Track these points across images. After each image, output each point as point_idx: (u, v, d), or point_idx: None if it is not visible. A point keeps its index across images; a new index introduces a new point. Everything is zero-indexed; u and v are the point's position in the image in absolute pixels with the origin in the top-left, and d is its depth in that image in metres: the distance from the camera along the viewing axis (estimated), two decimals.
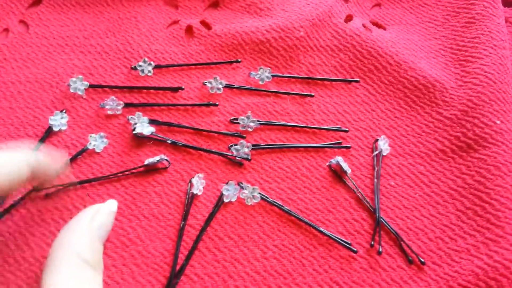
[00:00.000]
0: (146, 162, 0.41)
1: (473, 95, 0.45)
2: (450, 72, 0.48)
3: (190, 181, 0.41)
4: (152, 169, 0.42)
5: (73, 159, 0.42)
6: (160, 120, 0.44)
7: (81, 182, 0.41)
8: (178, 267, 0.37)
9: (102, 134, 0.43)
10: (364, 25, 0.53)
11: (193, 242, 0.38)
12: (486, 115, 0.44)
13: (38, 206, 0.39)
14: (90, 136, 0.42)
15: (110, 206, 0.34)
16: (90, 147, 0.42)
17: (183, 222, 0.39)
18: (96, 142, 0.42)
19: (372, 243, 0.39)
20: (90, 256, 0.29)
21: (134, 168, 0.42)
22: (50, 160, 0.35)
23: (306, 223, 0.40)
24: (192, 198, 0.40)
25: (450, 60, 0.50)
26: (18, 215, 0.39)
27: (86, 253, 0.29)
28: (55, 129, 0.43)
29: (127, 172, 0.41)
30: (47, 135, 0.43)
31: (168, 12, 0.53)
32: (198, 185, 0.41)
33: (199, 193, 0.41)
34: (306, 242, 0.39)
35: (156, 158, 0.41)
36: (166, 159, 0.42)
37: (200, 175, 0.41)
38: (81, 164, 0.42)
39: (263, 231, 0.40)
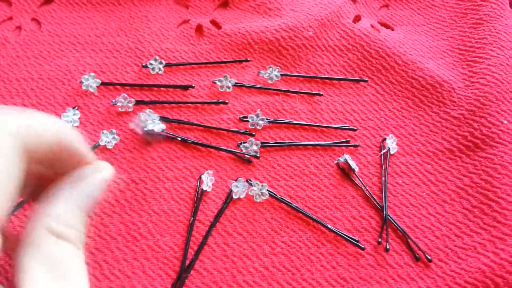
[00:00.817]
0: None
1: (480, 95, 0.46)
2: (458, 72, 0.49)
3: (200, 178, 0.42)
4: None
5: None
6: (171, 118, 0.45)
7: None
8: (187, 262, 0.38)
9: (113, 130, 0.43)
10: (372, 26, 0.54)
11: (202, 238, 0.39)
12: (493, 115, 0.44)
13: None
14: (102, 133, 0.43)
15: (102, 174, 0.28)
16: (101, 143, 0.43)
17: (192, 218, 0.40)
18: (108, 138, 0.43)
19: (380, 240, 0.39)
20: (66, 230, 0.26)
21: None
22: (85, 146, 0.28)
23: (314, 220, 0.40)
24: (201, 194, 0.41)
25: (457, 60, 0.50)
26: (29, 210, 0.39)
27: (60, 227, 0.25)
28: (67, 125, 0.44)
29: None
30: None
31: (178, 12, 0.54)
32: (208, 181, 0.41)
33: (209, 190, 0.41)
34: (314, 239, 0.40)
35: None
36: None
37: (210, 171, 0.42)
38: None
39: (271, 228, 0.40)
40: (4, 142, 0.22)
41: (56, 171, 0.27)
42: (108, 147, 0.43)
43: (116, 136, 0.43)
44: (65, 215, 0.26)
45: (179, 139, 0.44)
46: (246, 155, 0.43)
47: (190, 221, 0.40)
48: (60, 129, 0.26)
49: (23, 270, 0.24)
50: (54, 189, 0.26)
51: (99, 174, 0.28)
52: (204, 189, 0.41)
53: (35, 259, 0.24)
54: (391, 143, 0.44)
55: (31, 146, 0.24)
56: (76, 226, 0.26)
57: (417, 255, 0.39)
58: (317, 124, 0.46)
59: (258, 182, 0.41)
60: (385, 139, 0.45)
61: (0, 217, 0.21)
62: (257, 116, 0.45)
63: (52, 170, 0.27)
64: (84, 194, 0.27)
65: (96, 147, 0.43)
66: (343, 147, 0.45)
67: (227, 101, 0.46)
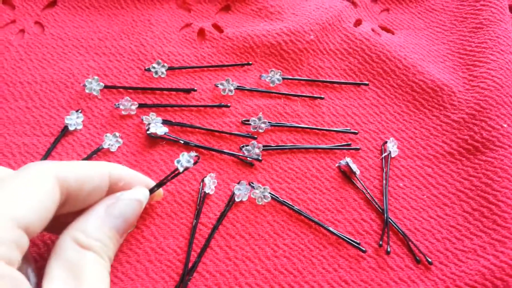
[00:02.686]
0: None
1: (480, 98, 0.46)
2: (458, 76, 0.49)
3: (203, 180, 0.42)
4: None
5: (88, 158, 0.43)
6: (173, 121, 0.45)
7: None
8: (190, 264, 0.38)
9: (116, 134, 0.44)
10: (373, 30, 0.54)
11: (205, 240, 0.39)
12: (493, 119, 0.45)
13: None
14: (105, 136, 0.43)
15: (135, 194, 0.32)
16: (105, 146, 0.43)
17: (195, 221, 0.40)
18: (111, 141, 0.43)
19: (381, 243, 0.40)
20: (90, 241, 0.29)
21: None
22: (134, 178, 0.34)
23: (315, 222, 0.40)
24: (204, 197, 0.41)
25: (457, 64, 0.51)
26: None
27: (84, 238, 0.28)
28: (71, 128, 0.44)
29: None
30: (62, 134, 0.44)
31: (181, 15, 0.54)
32: (210, 184, 0.41)
33: (211, 192, 0.41)
34: (316, 242, 0.40)
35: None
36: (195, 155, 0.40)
37: (212, 174, 0.42)
38: None
39: (273, 230, 0.40)
40: (49, 180, 0.28)
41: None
42: (111, 150, 0.43)
43: (120, 139, 0.44)
44: (92, 229, 0.29)
45: (182, 142, 0.44)
46: (248, 158, 0.44)
47: (193, 224, 0.40)
48: (104, 171, 0.32)
49: (46, 271, 0.27)
50: (91, 208, 0.31)
51: (132, 196, 0.32)
52: (207, 192, 0.41)
53: (56, 262, 0.28)
54: (392, 146, 0.45)
55: (72, 188, 0.29)
56: (102, 240, 0.30)
57: (417, 258, 0.39)
58: (319, 127, 0.46)
59: (260, 185, 0.41)
60: (386, 142, 0.45)
61: (36, 226, 0.26)
62: (259, 119, 0.45)
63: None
64: (115, 214, 0.31)
65: (99, 150, 0.43)
66: (345, 150, 0.45)
67: (229, 105, 0.46)
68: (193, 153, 0.35)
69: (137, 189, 0.33)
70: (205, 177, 0.42)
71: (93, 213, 0.30)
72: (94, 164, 0.32)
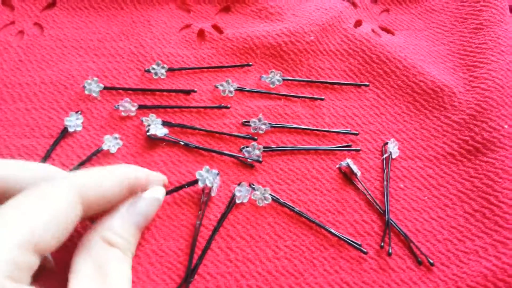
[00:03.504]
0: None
1: (481, 99, 0.46)
2: (458, 77, 0.49)
3: (204, 182, 0.41)
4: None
5: (87, 160, 0.42)
6: (173, 122, 0.45)
7: None
8: (191, 266, 0.38)
9: (116, 135, 0.43)
10: (373, 30, 0.54)
11: (206, 242, 0.39)
12: (494, 119, 0.44)
13: None
14: (105, 138, 0.43)
15: (154, 193, 0.35)
16: (105, 147, 0.43)
17: (198, 222, 0.40)
18: (111, 143, 0.43)
19: (382, 244, 0.40)
20: (116, 239, 0.31)
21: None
22: (149, 177, 0.36)
23: (316, 224, 0.40)
24: (208, 198, 0.41)
25: (458, 65, 0.50)
26: None
27: (111, 236, 0.31)
28: (70, 130, 0.44)
29: None
30: (62, 135, 0.44)
31: (180, 16, 0.54)
32: (214, 185, 0.41)
33: (213, 194, 0.41)
34: (317, 243, 0.40)
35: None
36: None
37: (215, 171, 0.41)
38: (95, 164, 0.43)
39: (274, 232, 0.40)
40: (68, 192, 0.28)
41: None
42: (111, 151, 0.43)
43: (119, 141, 0.44)
44: (117, 227, 0.31)
45: (182, 143, 0.44)
46: (248, 160, 0.43)
47: (196, 226, 0.40)
48: (122, 177, 0.33)
49: (73, 267, 0.29)
50: (115, 209, 0.33)
51: (152, 195, 0.35)
52: (208, 185, 0.41)
53: (84, 259, 0.29)
54: (393, 147, 0.45)
55: (91, 201, 0.30)
56: (126, 237, 0.32)
57: (419, 259, 0.39)
58: (319, 129, 0.46)
59: (261, 187, 0.41)
60: (386, 143, 0.45)
61: (50, 244, 0.27)
62: (259, 120, 0.45)
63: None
64: (137, 212, 0.33)
65: (99, 152, 0.43)
66: (345, 152, 0.45)
67: (229, 106, 0.46)
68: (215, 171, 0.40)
69: (156, 189, 0.36)
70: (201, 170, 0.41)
71: (118, 213, 0.32)
72: (112, 173, 0.33)
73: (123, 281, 0.30)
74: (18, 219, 0.26)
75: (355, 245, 0.40)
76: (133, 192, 0.34)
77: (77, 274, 0.28)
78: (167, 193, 0.39)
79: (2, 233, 0.25)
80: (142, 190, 0.35)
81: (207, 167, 0.40)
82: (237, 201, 0.41)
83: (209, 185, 0.40)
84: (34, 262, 0.26)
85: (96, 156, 0.43)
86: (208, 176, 0.40)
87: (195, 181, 0.40)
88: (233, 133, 0.45)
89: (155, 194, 0.35)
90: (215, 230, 0.40)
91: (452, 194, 0.43)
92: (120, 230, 0.31)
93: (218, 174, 0.41)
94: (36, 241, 0.25)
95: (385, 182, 0.43)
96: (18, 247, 0.25)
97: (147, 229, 0.40)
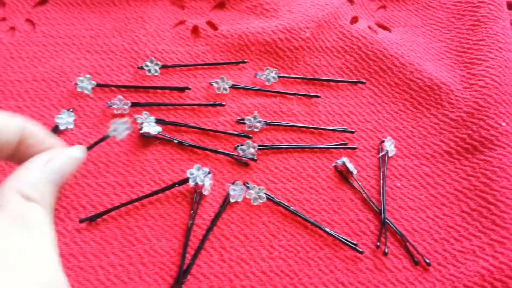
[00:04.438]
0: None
1: (478, 97, 0.45)
2: (456, 74, 0.49)
3: (196, 181, 0.40)
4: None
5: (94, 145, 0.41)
6: (167, 120, 0.44)
7: None
8: (184, 267, 0.37)
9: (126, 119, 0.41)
10: (369, 27, 0.53)
11: (199, 242, 0.39)
12: (491, 117, 0.44)
13: None
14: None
15: (73, 152, 0.33)
16: (61, 127, 0.43)
17: (191, 222, 0.39)
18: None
19: (378, 244, 0.39)
20: (34, 193, 0.29)
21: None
22: (44, 134, 0.33)
23: (312, 223, 0.40)
24: (200, 198, 0.40)
25: (455, 62, 0.50)
26: None
27: (29, 190, 0.28)
28: (62, 127, 0.43)
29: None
30: (53, 133, 0.43)
31: (174, 13, 0.53)
32: (206, 184, 0.40)
33: (205, 193, 0.41)
34: (312, 243, 0.39)
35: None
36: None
37: (206, 169, 0.40)
38: (87, 163, 0.42)
39: (269, 231, 0.40)
40: None
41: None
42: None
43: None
44: (35, 182, 0.29)
45: (176, 141, 0.43)
46: (243, 158, 0.43)
47: (188, 225, 0.39)
48: (20, 123, 0.30)
49: None
50: (28, 161, 0.30)
51: (72, 153, 0.32)
52: (205, 194, 0.41)
53: (3, 215, 0.27)
54: (389, 146, 0.44)
55: None
56: (43, 192, 0.29)
57: (415, 259, 0.39)
58: (315, 126, 0.45)
59: (256, 185, 0.41)
60: (383, 141, 0.45)
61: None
62: (254, 118, 0.44)
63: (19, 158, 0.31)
64: (54, 168, 0.30)
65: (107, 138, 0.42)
66: (341, 150, 0.44)
67: (224, 103, 0.46)
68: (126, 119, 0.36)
69: (76, 147, 0.33)
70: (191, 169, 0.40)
71: (32, 166, 0.30)
72: (7, 114, 0.30)
73: (46, 234, 0.28)
74: None
75: (351, 244, 0.39)
76: (23, 145, 0.31)
77: None
78: (158, 192, 0.39)
79: None
80: (36, 148, 0.32)
81: (198, 165, 0.39)
82: (231, 200, 0.40)
83: (200, 183, 0.39)
84: None
85: (88, 155, 0.42)
86: (199, 175, 0.39)
87: (186, 180, 0.39)
88: (228, 131, 0.44)
89: (75, 152, 0.33)
90: (209, 229, 0.39)
91: (449, 193, 0.42)
92: (37, 185, 0.29)
93: (209, 172, 0.40)
94: None
95: (381, 181, 0.43)
96: None
97: (139, 228, 0.39)
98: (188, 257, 0.38)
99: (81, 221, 0.39)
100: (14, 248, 0.26)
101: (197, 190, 0.41)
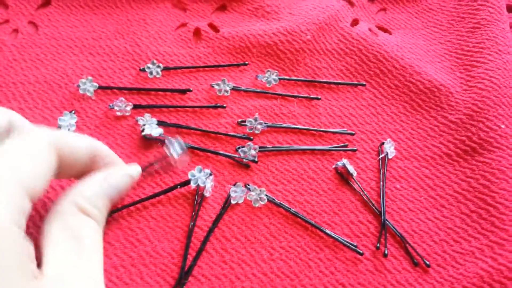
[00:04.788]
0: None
1: (478, 99, 0.46)
2: (455, 77, 0.49)
3: (193, 176, 0.40)
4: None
5: (145, 169, 0.41)
6: (168, 122, 0.45)
7: None
8: (186, 268, 0.38)
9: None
10: (370, 29, 0.54)
11: (200, 243, 0.39)
12: (491, 119, 0.44)
13: None
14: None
15: (129, 170, 0.35)
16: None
17: (192, 223, 0.39)
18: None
19: (378, 245, 0.39)
20: (90, 207, 0.30)
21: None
22: (116, 160, 0.35)
23: (312, 225, 0.40)
24: (201, 199, 0.41)
25: (455, 64, 0.50)
26: None
27: (85, 203, 0.30)
28: (64, 129, 0.44)
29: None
30: None
31: (176, 15, 0.53)
32: (208, 185, 0.40)
33: (207, 195, 0.41)
34: (313, 244, 0.40)
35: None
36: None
37: (207, 170, 0.41)
38: None
39: (270, 233, 0.40)
40: (43, 145, 0.29)
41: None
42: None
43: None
44: (91, 196, 0.31)
45: None
46: (244, 160, 0.43)
47: (190, 227, 0.39)
48: (90, 142, 0.33)
49: (47, 234, 0.28)
50: (88, 177, 0.32)
51: (128, 171, 0.34)
52: (205, 195, 0.41)
53: (57, 225, 0.28)
54: (389, 148, 0.44)
55: (64, 153, 0.30)
56: (100, 207, 0.31)
57: (415, 260, 0.39)
58: (315, 128, 0.46)
59: (256, 187, 0.41)
60: (383, 143, 0.45)
61: (38, 192, 0.27)
62: (255, 120, 0.45)
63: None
64: (112, 184, 0.32)
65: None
66: (341, 152, 0.45)
67: (225, 105, 0.46)
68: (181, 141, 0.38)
69: (132, 166, 0.35)
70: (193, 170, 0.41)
71: (91, 182, 0.32)
72: (83, 138, 0.33)
73: (98, 255, 0.29)
74: (11, 166, 0.26)
75: (351, 246, 0.39)
76: (95, 165, 0.34)
77: (52, 243, 0.28)
78: (160, 193, 0.40)
79: (1, 178, 0.25)
80: (101, 166, 0.34)
81: (200, 167, 0.40)
82: (233, 202, 0.41)
83: (201, 185, 0.40)
84: (28, 208, 0.26)
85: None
86: (200, 176, 0.40)
87: (188, 182, 0.40)
88: (229, 133, 0.45)
89: (130, 170, 0.35)
90: (210, 231, 0.39)
91: (448, 194, 0.43)
92: (94, 199, 0.31)
93: (211, 174, 0.41)
94: (28, 186, 0.26)
95: (381, 183, 0.43)
96: (17, 191, 0.26)
97: (141, 230, 0.39)
98: (190, 258, 0.38)
99: None
100: (64, 260, 0.27)
101: (198, 192, 0.41)
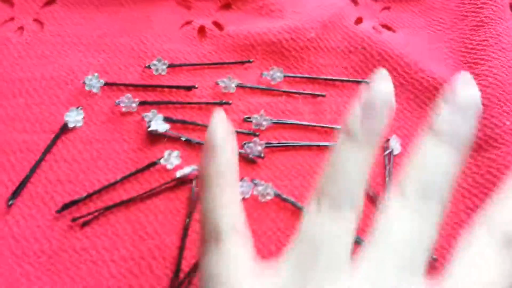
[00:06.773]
0: (178, 175, 0.41)
1: (482, 96, 0.46)
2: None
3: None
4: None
5: None
6: (174, 118, 0.45)
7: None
8: (193, 262, 0.38)
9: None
10: (374, 28, 0.54)
11: None
12: (495, 116, 0.45)
13: None
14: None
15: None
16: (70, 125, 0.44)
17: (188, 219, 0.39)
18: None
19: None
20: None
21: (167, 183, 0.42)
22: None
23: None
24: (196, 196, 0.41)
25: (459, 62, 0.51)
26: None
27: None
28: (70, 125, 0.44)
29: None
30: (62, 131, 0.44)
31: (181, 13, 0.54)
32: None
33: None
34: None
35: (188, 170, 0.42)
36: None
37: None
38: (97, 160, 0.42)
39: (276, 227, 0.40)
40: None
41: None
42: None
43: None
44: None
45: (183, 139, 0.43)
46: (250, 155, 0.43)
47: (186, 222, 0.39)
48: None
49: (450, 263, 0.23)
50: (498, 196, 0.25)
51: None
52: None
53: (462, 258, 0.23)
54: (395, 144, 0.44)
55: None
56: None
57: None
58: (321, 125, 0.46)
59: (263, 182, 0.41)
60: (388, 139, 0.45)
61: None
62: (261, 116, 0.45)
63: None
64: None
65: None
66: None
67: (230, 102, 0.46)
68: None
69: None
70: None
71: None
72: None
73: None
74: None
75: (357, 240, 0.39)
76: None
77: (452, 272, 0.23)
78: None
79: None
80: None
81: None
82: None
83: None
84: None
85: (97, 153, 0.43)
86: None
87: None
88: (235, 129, 0.45)
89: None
90: None
91: (453, 189, 0.43)
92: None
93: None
94: None
95: (387, 179, 0.43)
96: None
97: (150, 224, 0.39)
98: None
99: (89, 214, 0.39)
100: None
101: (194, 188, 0.41)
